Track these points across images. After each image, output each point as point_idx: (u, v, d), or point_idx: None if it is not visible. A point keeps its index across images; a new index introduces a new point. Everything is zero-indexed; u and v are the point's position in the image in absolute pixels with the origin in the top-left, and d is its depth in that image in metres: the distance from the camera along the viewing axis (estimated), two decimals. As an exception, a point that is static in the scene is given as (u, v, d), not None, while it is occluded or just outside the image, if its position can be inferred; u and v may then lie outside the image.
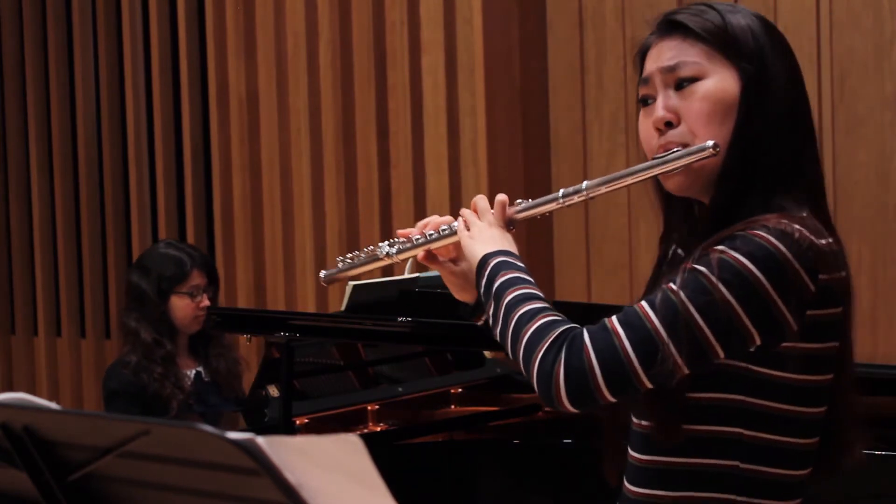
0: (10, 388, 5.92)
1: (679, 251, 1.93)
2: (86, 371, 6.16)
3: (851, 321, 1.88)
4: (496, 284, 1.87)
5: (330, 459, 1.25)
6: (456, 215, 2.04)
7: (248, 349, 4.68)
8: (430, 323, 3.30)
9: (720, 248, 1.73)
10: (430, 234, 2.04)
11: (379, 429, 3.62)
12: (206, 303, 4.04)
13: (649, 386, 1.73)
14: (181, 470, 1.32)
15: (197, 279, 4.06)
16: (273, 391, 3.66)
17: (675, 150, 1.82)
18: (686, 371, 1.73)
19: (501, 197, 1.98)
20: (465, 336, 3.32)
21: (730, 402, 1.79)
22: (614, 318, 1.75)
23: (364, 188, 5.17)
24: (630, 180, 1.88)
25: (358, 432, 3.50)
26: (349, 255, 2.16)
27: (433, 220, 2.06)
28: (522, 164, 4.92)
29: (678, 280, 1.74)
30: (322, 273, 2.20)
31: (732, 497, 1.82)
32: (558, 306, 1.88)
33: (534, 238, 4.74)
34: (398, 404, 3.74)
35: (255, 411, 3.81)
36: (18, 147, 6.32)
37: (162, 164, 5.81)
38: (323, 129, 5.26)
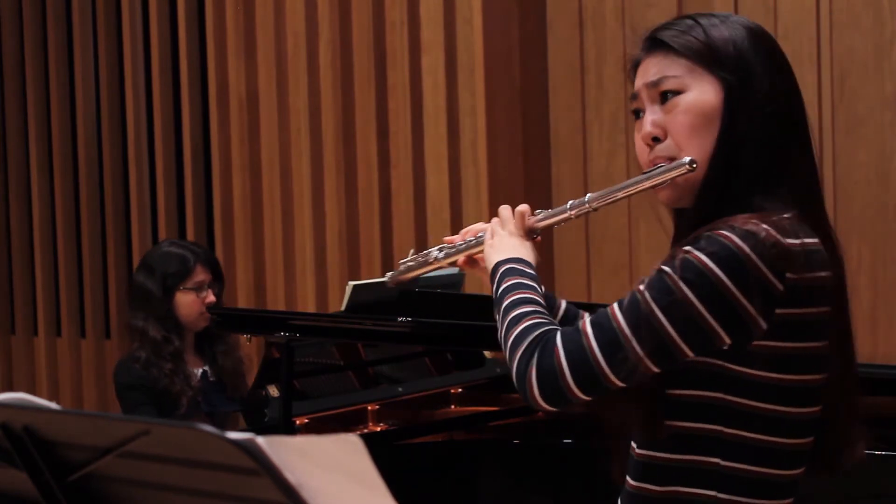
0: (10, 388, 5.92)
1: None
2: (86, 371, 6.16)
3: (848, 320, 1.90)
4: (499, 290, 1.96)
5: (330, 459, 1.25)
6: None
7: (248, 349, 4.68)
8: (430, 323, 3.31)
9: (686, 248, 1.78)
10: (469, 241, 2.16)
11: (379, 429, 3.63)
12: (212, 299, 4.01)
13: (619, 384, 1.79)
14: (181, 470, 1.32)
15: (201, 275, 4.04)
16: (273, 391, 3.66)
17: (660, 165, 1.89)
18: (655, 369, 1.78)
19: (522, 207, 2.07)
20: (465, 336, 3.33)
21: (709, 400, 1.82)
22: (587, 318, 1.82)
23: (364, 188, 5.17)
24: (621, 194, 1.97)
25: (358, 432, 3.51)
26: (409, 259, 2.29)
27: (474, 227, 2.18)
28: (522, 164, 4.92)
29: (646, 280, 1.80)
30: (387, 275, 2.34)
31: (714, 493, 1.83)
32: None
33: (534, 238, 4.74)
34: (398, 404, 3.74)
35: (255, 411, 3.81)
36: (18, 147, 6.32)
37: (162, 164, 5.81)
38: (323, 129, 5.26)
